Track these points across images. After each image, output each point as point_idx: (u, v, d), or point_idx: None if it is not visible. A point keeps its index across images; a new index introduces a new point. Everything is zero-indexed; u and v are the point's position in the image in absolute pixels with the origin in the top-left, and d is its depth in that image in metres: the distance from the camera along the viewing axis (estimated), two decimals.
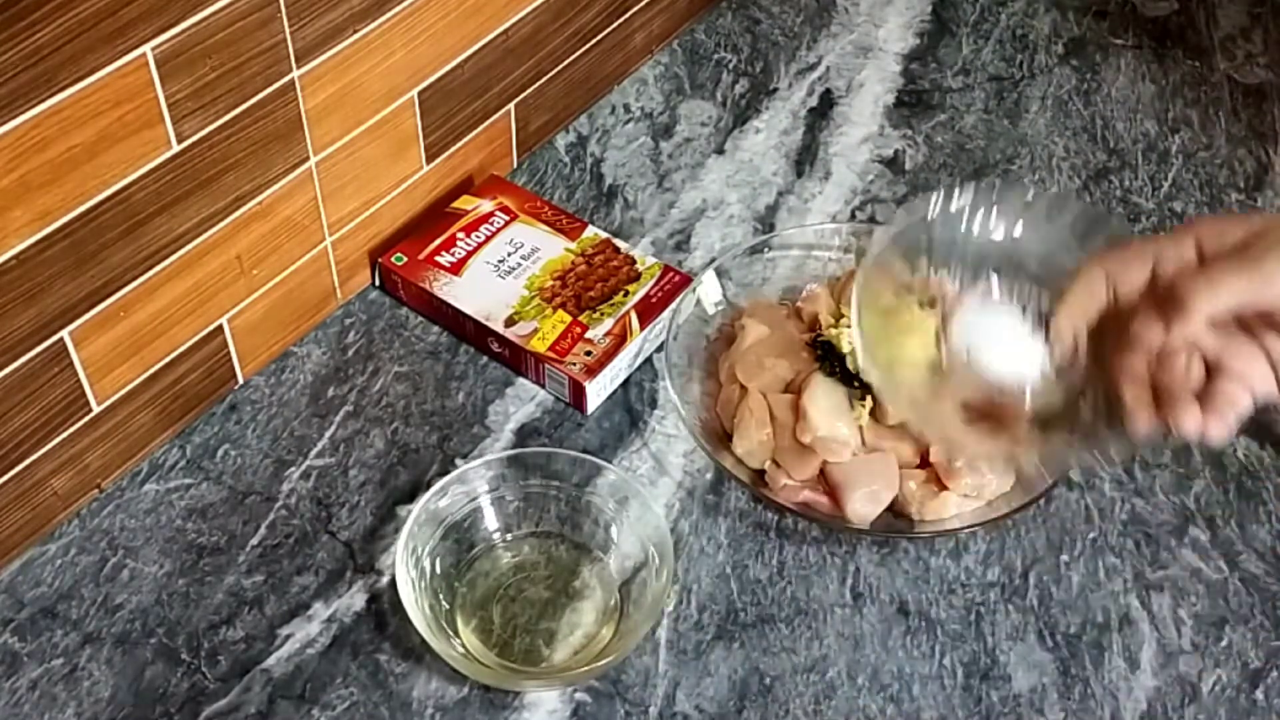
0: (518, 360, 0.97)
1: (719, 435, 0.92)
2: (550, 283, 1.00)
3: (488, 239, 1.02)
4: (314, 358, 0.98)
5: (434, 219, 1.04)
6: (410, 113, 0.98)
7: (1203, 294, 0.66)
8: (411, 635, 0.81)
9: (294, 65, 0.86)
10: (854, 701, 0.81)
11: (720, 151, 1.15)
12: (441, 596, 0.83)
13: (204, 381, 0.93)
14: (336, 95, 0.91)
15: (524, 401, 0.96)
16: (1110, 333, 0.71)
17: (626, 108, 1.19)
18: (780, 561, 0.87)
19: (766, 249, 1.02)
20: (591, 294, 0.99)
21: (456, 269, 1.00)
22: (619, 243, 1.03)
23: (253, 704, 0.80)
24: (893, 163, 1.14)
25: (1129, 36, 1.26)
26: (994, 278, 0.78)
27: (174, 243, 0.85)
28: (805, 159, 1.14)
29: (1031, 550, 0.88)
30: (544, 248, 1.02)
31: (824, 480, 0.88)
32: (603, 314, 0.98)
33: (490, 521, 0.87)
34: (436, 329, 1.00)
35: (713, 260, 1.02)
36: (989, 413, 0.76)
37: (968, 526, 0.86)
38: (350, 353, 0.99)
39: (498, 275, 1.00)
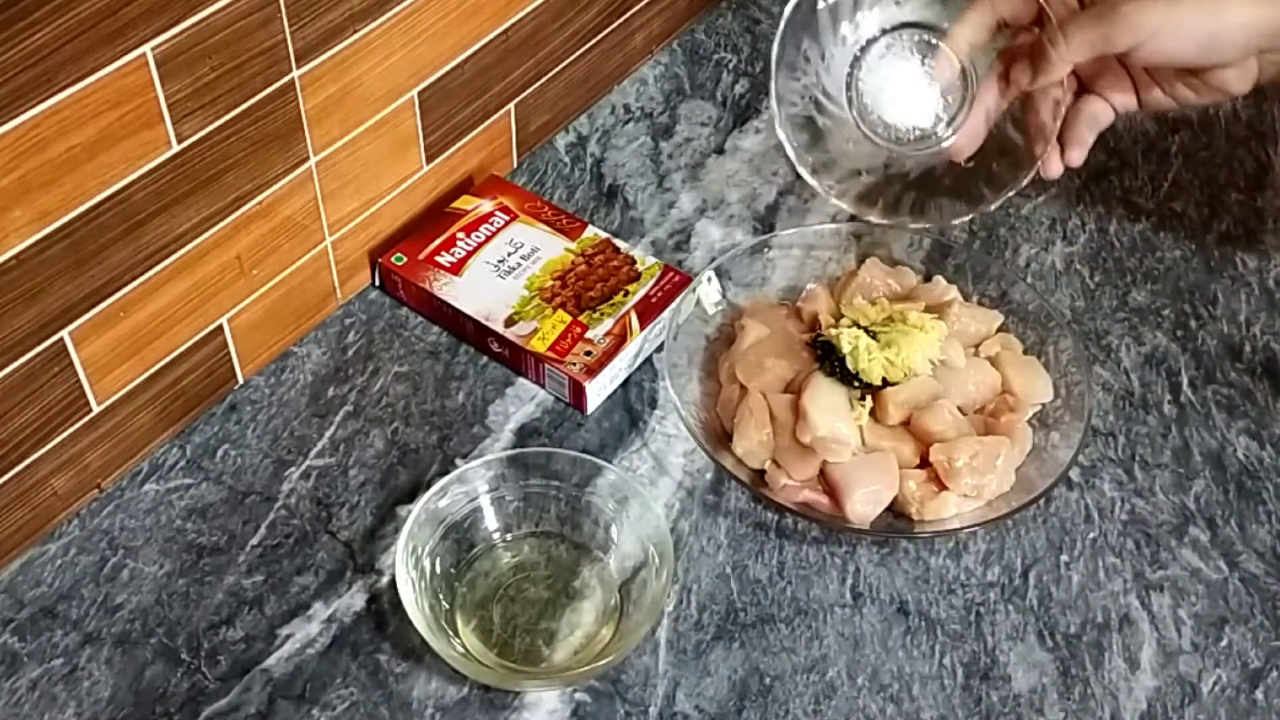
0: (518, 360, 0.97)
1: (719, 435, 0.92)
2: (550, 283, 1.00)
3: (488, 239, 1.02)
4: (314, 358, 0.98)
5: (434, 219, 1.04)
6: (410, 113, 0.98)
7: (1061, 49, 0.84)
8: (411, 635, 0.81)
9: (294, 65, 0.86)
10: (854, 701, 0.81)
11: (720, 151, 1.15)
12: (441, 596, 0.83)
13: (204, 381, 0.93)
14: (336, 95, 0.91)
15: (524, 401, 0.96)
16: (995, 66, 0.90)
17: (626, 108, 1.19)
18: (780, 561, 0.87)
19: (766, 249, 1.02)
20: (591, 294, 0.99)
21: (456, 269, 1.00)
22: (619, 243, 1.03)
23: (253, 704, 0.80)
24: None
25: None
26: (896, 32, 0.92)
27: (174, 243, 0.85)
28: None
29: (1031, 550, 0.88)
30: (544, 248, 1.02)
31: (824, 480, 0.88)
32: (603, 314, 0.97)
33: (490, 521, 0.87)
34: (436, 329, 1.00)
35: (713, 260, 1.02)
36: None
37: (968, 526, 0.86)
38: (350, 353, 0.99)
39: (498, 275, 1.00)
